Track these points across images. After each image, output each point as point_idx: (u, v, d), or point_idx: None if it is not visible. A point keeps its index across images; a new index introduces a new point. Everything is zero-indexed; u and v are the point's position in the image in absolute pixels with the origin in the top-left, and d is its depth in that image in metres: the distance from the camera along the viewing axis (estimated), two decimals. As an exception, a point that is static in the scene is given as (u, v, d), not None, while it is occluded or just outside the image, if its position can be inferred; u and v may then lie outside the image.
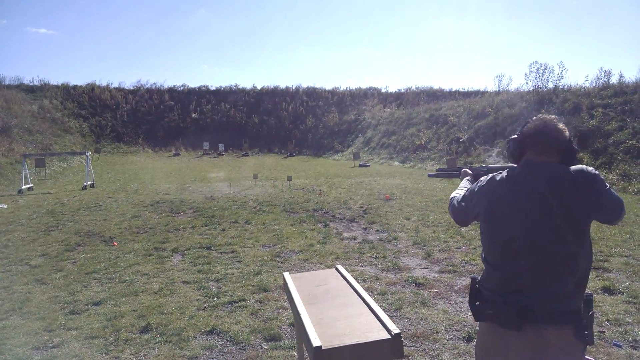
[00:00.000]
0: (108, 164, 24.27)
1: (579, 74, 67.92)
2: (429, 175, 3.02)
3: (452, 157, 17.96)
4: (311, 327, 2.08)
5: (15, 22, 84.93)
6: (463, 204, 2.01)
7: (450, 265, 5.58)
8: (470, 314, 4.10)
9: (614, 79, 16.64)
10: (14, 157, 19.38)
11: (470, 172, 2.41)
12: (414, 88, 37.79)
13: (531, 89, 19.11)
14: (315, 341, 1.93)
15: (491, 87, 37.33)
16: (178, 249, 6.65)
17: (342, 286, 2.70)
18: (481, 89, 33.20)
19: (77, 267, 5.86)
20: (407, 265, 5.70)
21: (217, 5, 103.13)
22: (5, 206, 10.93)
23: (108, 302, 4.56)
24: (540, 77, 18.72)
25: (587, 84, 17.39)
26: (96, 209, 10.17)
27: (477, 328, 3.69)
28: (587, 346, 1.73)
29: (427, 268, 5.57)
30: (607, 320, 3.87)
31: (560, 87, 17.95)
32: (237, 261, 6.02)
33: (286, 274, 2.93)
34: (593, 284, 4.74)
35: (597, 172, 1.73)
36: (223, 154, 31.48)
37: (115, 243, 7.05)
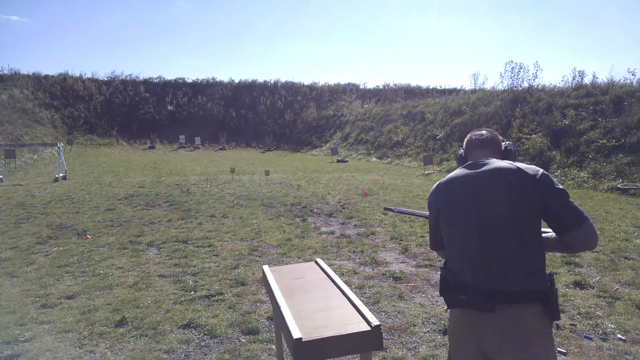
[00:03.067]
0: (81, 156, 23.72)
1: (553, 74, 69.39)
2: (385, 208, 3.08)
3: (428, 154, 18.15)
4: (291, 320, 2.08)
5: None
6: (430, 229, 2.09)
7: (427, 260, 5.65)
8: (446, 307, 4.17)
9: (587, 80, 17.05)
10: (-18, 147, 18.75)
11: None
12: (392, 85, 38.09)
13: (506, 87, 19.42)
14: (296, 333, 1.93)
15: (467, 85, 37.83)
16: (154, 243, 6.56)
17: (321, 279, 2.71)
18: (457, 87, 33.66)
19: (49, 260, 5.72)
20: (385, 259, 5.75)
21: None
22: (-27, 198, 10.57)
23: (82, 296, 4.47)
24: (516, 76, 19.03)
25: (561, 84, 17.78)
26: (69, 202, 9.94)
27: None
28: (555, 322, 1.82)
29: (404, 262, 5.63)
30: (579, 313, 3.98)
31: (535, 86, 18.29)
32: (214, 255, 5.97)
33: (265, 267, 2.92)
34: (565, 278, 4.87)
35: (548, 174, 1.85)
36: (200, 148, 31.12)
37: (88, 236, 6.91)
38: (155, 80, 36.87)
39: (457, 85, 36.20)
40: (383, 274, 5.13)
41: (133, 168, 18.54)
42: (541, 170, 1.83)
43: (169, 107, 34.67)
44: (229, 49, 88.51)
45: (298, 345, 1.89)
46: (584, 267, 5.28)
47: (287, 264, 5.50)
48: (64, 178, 14.55)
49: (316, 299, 2.38)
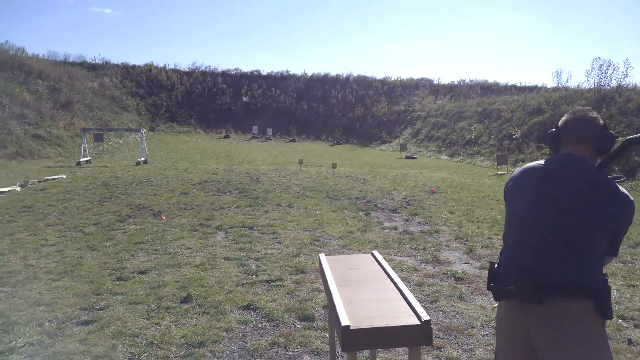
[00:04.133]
0: (161, 143, 25.13)
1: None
2: None
3: (502, 154, 17.40)
4: (341, 307, 2.10)
5: (82, 2, 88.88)
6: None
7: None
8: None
9: (687, 79, 15.55)
10: (75, 131, 20.42)
11: None
12: (467, 81, 36.73)
13: (592, 86, 18.17)
14: (344, 321, 1.95)
15: (549, 83, 35.70)
16: (222, 227, 6.84)
17: (376, 271, 2.71)
18: (538, 85, 31.83)
19: (126, 237, 6.15)
20: (447, 258, 5.62)
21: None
22: (65, 176, 11.57)
23: (152, 272, 4.77)
24: (603, 75, 17.76)
25: (655, 84, 16.34)
26: (147, 184, 10.58)
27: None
28: (607, 321, 1.75)
29: (468, 263, 5.47)
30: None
31: (625, 85, 16.95)
32: (277, 242, 6.12)
33: (322, 255, 2.96)
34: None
35: (633, 203, 1.77)
36: (271, 139, 31.87)
37: (163, 217, 7.34)
38: (232, 72, 38.19)
39: (537, 82, 34.26)
40: (444, 273, 5.02)
41: (208, 155, 19.38)
42: (629, 199, 1.76)
43: (244, 99, 35.79)
44: (303, 42, 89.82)
45: (346, 332, 1.90)
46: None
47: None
48: (145, 162, 15.51)
49: (369, 290, 2.38)
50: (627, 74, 17.76)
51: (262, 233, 6.60)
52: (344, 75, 38.82)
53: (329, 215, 7.90)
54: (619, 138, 14.13)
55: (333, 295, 2.26)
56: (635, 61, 44.69)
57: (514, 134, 19.77)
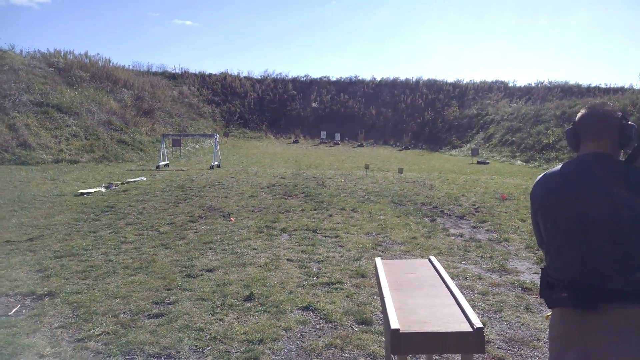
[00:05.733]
0: (234, 148, 26.12)
1: None
2: None
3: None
4: (392, 311, 2.11)
5: (165, 14, 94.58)
6: (532, 220, 2.00)
7: (565, 273, 5.16)
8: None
9: None
10: (155, 136, 21.77)
11: None
12: (546, 82, 34.85)
13: (690, 86, 16.57)
14: (394, 324, 1.95)
15: (636, 83, 33.02)
16: (286, 229, 7.01)
17: (431, 276, 2.68)
18: (625, 86, 29.56)
19: (197, 236, 6.47)
20: (516, 268, 5.39)
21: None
22: (145, 179, 12.37)
23: (219, 270, 4.99)
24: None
25: None
26: (219, 187, 11.06)
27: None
28: None
29: (537, 273, 5.21)
30: None
31: None
32: (340, 246, 6.18)
33: (377, 259, 2.97)
34: None
35: None
36: (339, 144, 32.09)
37: (232, 219, 7.64)
38: (302, 79, 38.95)
39: (624, 83, 31.86)
40: (511, 283, 4.82)
41: (277, 160, 19.88)
42: None
43: (313, 104, 36.33)
44: (372, 47, 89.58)
45: (395, 335, 1.91)
46: None
47: (409, 261, 5.48)
48: (219, 166, 16.21)
49: (422, 295, 2.36)
50: None
51: (325, 236, 6.68)
52: (414, 80, 38.34)
53: (392, 220, 7.84)
54: None
55: (385, 299, 2.27)
56: None
57: (596, 139, 18.52)
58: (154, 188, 10.80)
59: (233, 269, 5.07)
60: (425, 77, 38.42)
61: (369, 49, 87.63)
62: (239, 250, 5.80)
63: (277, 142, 31.96)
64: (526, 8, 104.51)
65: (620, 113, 1.82)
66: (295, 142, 32.33)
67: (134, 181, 11.90)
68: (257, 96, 36.33)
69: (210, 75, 36.82)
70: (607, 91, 28.37)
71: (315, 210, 8.62)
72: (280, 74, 38.86)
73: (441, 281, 2.57)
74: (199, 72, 36.64)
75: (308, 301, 4.16)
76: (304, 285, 4.63)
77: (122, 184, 11.44)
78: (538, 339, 3.54)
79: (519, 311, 4.08)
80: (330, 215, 8.15)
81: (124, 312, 3.86)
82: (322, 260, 5.46)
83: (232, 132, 31.91)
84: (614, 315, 1.65)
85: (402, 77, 38.71)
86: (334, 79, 39.15)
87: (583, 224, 1.73)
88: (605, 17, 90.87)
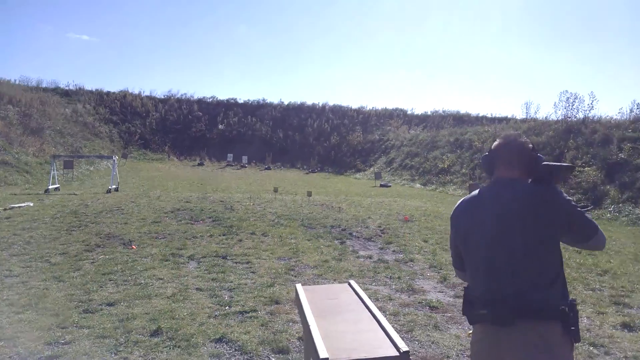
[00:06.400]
0: (134, 170, 24.72)
1: (610, 106, 66.88)
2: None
3: (474, 182, 17.73)
4: (319, 339, 2.06)
5: (59, 27, 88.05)
6: (450, 241, 2.14)
7: (467, 291, 5.47)
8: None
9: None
10: (44, 157, 19.94)
11: None
12: (440, 111, 37.64)
13: (560, 118, 18.85)
14: (323, 353, 1.91)
15: (519, 114, 36.88)
16: (194, 256, 6.70)
17: (353, 301, 2.68)
18: (508, 116, 32.83)
19: (94, 267, 5.95)
20: (422, 287, 5.61)
21: (255, 21, 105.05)
22: (32, 204, 11.21)
23: (122, 304, 4.60)
24: (570, 107, 18.49)
25: (618, 116, 17.08)
26: (118, 213, 10.34)
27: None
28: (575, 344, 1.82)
29: (442, 292, 5.47)
30: (625, 357, 3.73)
31: (590, 117, 17.65)
32: (252, 272, 6.02)
33: (298, 286, 2.92)
34: (612, 319, 4.58)
35: (561, 191, 1.85)
36: (246, 166, 31.77)
37: (133, 246, 7.15)
38: (208, 100, 38.25)
39: (508, 114, 35.35)
40: (419, 302, 5.01)
41: (181, 183, 19.13)
42: (552, 190, 1.83)
43: (220, 126, 35.73)
44: (281, 71, 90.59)
45: (323, 365, 1.86)
46: (634, 308, 4.96)
47: (319, 284, 5.48)
48: (116, 190, 15.19)
49: (347, 321, 2.35)
50: (592, 107, 18.57)
51: (236, 262, 6.48)
52: (320, 105, 39.32)
53: (304, 243, 7.84)
54: (586, 168, 14.61)
55: (310, 327, 2.22)
56: (600, 94, 46.60)
57: (485, 164, 20.22)
58: (43, 214, 9.81)
59: (137, 301, 4.70)
60: (331, 103, 39.69)
61: (277, 73, 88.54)
62: (143, 281, 5.41)
63: (180, 165, 30.84)
64: (424, 41, 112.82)
65: (531, 145, 1.98)
66: (201, 164, 31.46)
67: (19, 207, 10.73)
68: (159, 116, 34.94)
69: (108, 93, 34.82)
70: (493, 120, 31.23)
71: (224, 235, 8.36)
72: (185, 94, 37.89)
73: (363, 305, 2.57)
74: (96, 90, 34.52)
75: (221, 332, 3.96)
76: (215, 315, 4.41)
77: (4, 210, 10.25)
78: (448, 356, 3.68)
79: (429, 330, 4.23)
80: (240, 240, 7.95)
81: (10, 357, 3.39)
82: (234, 288, 5.27)
83: (132, 153, 30.26)
84: (528, 331, 1.75)
85: (309, 102, 39.60)
86: (242, 101, 38.99)
87: (498, 243, 1.84)
88: (493, 53, 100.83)
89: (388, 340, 2.08)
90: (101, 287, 5.13)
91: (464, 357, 3.68)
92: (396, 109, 38.90)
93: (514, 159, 1.94)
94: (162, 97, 37.08)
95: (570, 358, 1.80)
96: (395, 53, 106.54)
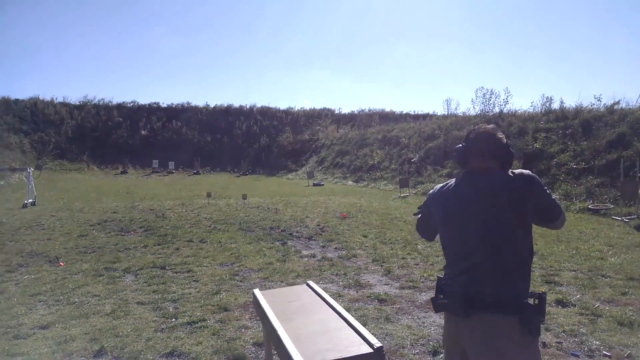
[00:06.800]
0: (50, 182, 23.04)
1: (524, 100, 72.07)
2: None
3: (404, 177, 18.35)
4: (290, 344, 2.01)
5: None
6: (421, 218, 2.21)
7: (410, 281, 5.63)
8: (433, 328, 4.15)
9: (556, 105, 17.69)
10: (-55, 173, 18.05)
11: None
12: (366, 110, 38.68)
13: (478, 112, 19.97)
14: (297, 357, 1.86)
15: (440, 110, 38.74)
16: (130, 269, 6.35)
17: (316, 301, 2.65)
18: (430, 112, 34.37)
19: (20, 288, 5.45)
20: (368, 281, 5.70)
21: (173, 23, 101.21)
22: None
23: (57, 326, 4.25)
24: (487, 102, 19.67)
25: (531, 110, 18.39)
26: (39, 228, 9.59)
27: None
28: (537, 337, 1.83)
29: (388, 284, 5.59)
30: (563, 331, 4.00)
31: (506, 111, 18.85)
32: (194, 280, 5.81)
33: (256, 291, 2.85)
34: (547, 297, 4.90)
35: (535, 174, 1.91)
36: (173, 172, 30.72)
37: (61, 263, 6.65)
38: (128, 105, 36.54)
39: (429, 110, 37.01)
40: (368, 297, 5.08)
41: (105, 193, 18.10)
42: (527, 176, 1.87)
43: (143, 132, 34.28)
44: (204, 74, 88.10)
45: (299, 369, 1.82)
46: (563, 285, 5.35)
47: (270, 288, 5.39)
48: (33, 204, 14.08)
49: (314, 322, 2.31)
50: (507, 101, 19.88)
51: (176, 272, 6.23)
52: (248, 106, 38.89)
53: (245, 247, 7.70)
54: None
55: (278, 332, 2.16)
56: (513, 89, 50.00)
57: (412, 159, 20.99)
58: (-51, 235, 8.86)
59: (73, 321, 4.37)
60: (259, 104, 39.35)
61: (201, 76, 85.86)
62: (77, 299, 5.03)
63: (102, 174, 29.22)
64: (345, 41, 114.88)
65: (505, 139, 2.01)
66: (124, 172, 29.99)
67: None
68: (75, 124, 32.86)
69: (17, 100, 32.20)
70: (417, 117, 32.49)
71: (159, 245, 8.02)
72: (102, 99, 35.89)
73: (326, 305, 2.56)
74: (3, 98, 31.78)
75: (171, 346, 3.78)
76: (162, 329, 4.20)
77: None
78: (403, 347, 3.75)
79: (381, 323, 4.30)
80: (178, 249, 7.66)
81: None
82: (177, 299, 5.05)
83: (47, 164, 28.18)
84: (484, 323, 1.79)
85: (236, 104, 39.03)
86: (165, 105, 37.63)
87: (477, 230, 1.85)
88: (413, 52, 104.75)
89: (360, 337, 2.07)
90: (30, 309, 4.71)
91: (418, 345, 3.78)
92: (324, 109, 39.39)
93: (490, 151, 1.95)
94: (78, 103, 34.92)
95: (527, 348, 1.79)
96: (318, 52, 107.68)
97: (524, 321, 1.75)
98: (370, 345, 1.96)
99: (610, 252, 6.82)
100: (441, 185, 2.08)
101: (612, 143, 12.94)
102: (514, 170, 1.90)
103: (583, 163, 12.99)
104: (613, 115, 14.21)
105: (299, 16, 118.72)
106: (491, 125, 2.06)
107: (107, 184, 22.99)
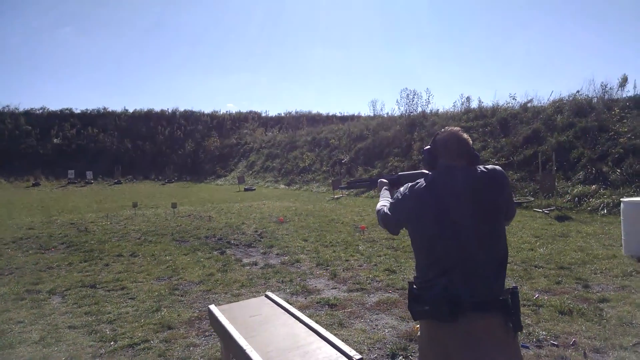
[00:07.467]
0: (-51, 198, 20.79)
1: (445, 100, 75.81)
2: (340, 188, 3.00)
3: (336, 179, 18.52)
4: (264, 363, 1.88)
5: None
6: (390, 214, 2.10)
7: (357, 284, 5.63)
8: (387, 330, 4.15)
9: (474, 104, 18.67)
10: None
11: (386, 180, 2.56)
12: (293, 112, 38.69)
13: (403, 113, 20.64)
14: (275, 378, 1.73)
15: (366, 111, 39.69)
16: (56, 290, 5.81)
17: (278, 313, 2.52)
18: (356, 114, 35.06)
19: None
20: (316, 287, 5.63)
21: (82, 23, 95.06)
22: None
23: (-25, 362, 3.77)
24: (410, 102, 20.35)
25: (452, 109, 19.29)
26: (-60, 251, 8.56)
27: (399, 343, 3.72)
28: (519, 332, 1.85)
29: (336, 288, 5.55)
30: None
31: (428, 111, 19.65)
32: (130, 298, 5.42)
33: (212, 307, 2.67)
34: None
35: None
36: (92, 183, 28.92)
37: (-28, 289, 5.95)
38: (38, 112, 33.99)
39: (355, 111, 37.71)
40: (317, 302, 5.00)
41: (17, 208, 16.61)
42: (502, 171, 1.93)
43: (55, 140, 31.98)
44: (120, 78, 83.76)
45: (279, 392, 1.69)
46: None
47: (213, 301, 5.16)
48: None
49: (282, 337, 2.19)
50: (429, 101, 20.68)
51: (109, 290, 5.78)
52: (170, 111, 37.58)
53: (181, 259, 7.34)
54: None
55: (247, 351, 2.02)
56: (434, 90, 52.34)
57: (343, 160, 21.26)
58: None
59: (-5, 355, 3.90)
60: (182, 108, 38.09)
61: (117, 80, 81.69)
62: (-4, 329, 4.51)
63: (10, 187, 26.86)
64: (268, 43, 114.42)
65: (471, 141, 2.02)
66: (36, 184, 27.77)
67: None
68: (-23, 133, 29.96)
69: None
70: (344, 118, 33.02)
71: (85, 261, 7.43)
72: (8, 106, 33.07)
73: (291, 316, 2.44)
74: None
75: (114, 372, 3.47)
76: (101, 354, 3.85)
77: None
78: (361, 352, 3.70)
79: (335, 329, 4.23)
80: (107, 265, 7.14)
81: None
82: (114, 320, 4.68)
83: (-56, 179, 25.47)
84: (470, 325, 1.76)
85: (157, 109, 37.51)
86: (79, 111, 35.44)
87: (460, 228, 1.81)
88: (336, 54, 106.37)
89: (336, 350, 1.98)
90: (-60, 346, 4.15)
91: (375, 349, 3.75)
92: (250, 112, 38.98)
93: (461, 151, 1.95)
94: (-22, 110, 31.88)
95: (515, 348, 1.83)
96: (239, 57, 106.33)
97: (509, 317, 1.77)
98: (349, 358, 1.88)
99: (538, 243, 7.26)
100: (411, 184, 2.00)
101: (528, 139, 13.87)
102: (487, 166, 1.93)
103: (503, 159, 13.81)
104: (527, 113, 15.25)
105: (215, 17, 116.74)
106: (457, 127, 2.06)
107: (18, 198, 21.14)
